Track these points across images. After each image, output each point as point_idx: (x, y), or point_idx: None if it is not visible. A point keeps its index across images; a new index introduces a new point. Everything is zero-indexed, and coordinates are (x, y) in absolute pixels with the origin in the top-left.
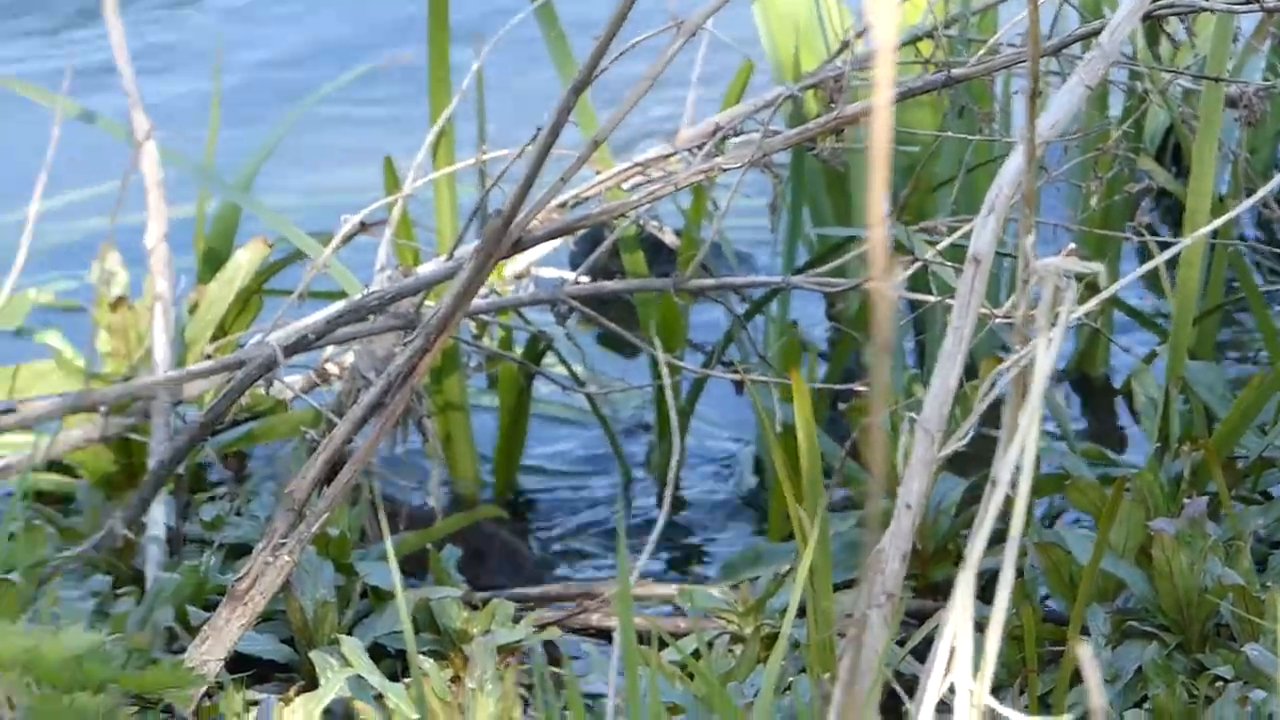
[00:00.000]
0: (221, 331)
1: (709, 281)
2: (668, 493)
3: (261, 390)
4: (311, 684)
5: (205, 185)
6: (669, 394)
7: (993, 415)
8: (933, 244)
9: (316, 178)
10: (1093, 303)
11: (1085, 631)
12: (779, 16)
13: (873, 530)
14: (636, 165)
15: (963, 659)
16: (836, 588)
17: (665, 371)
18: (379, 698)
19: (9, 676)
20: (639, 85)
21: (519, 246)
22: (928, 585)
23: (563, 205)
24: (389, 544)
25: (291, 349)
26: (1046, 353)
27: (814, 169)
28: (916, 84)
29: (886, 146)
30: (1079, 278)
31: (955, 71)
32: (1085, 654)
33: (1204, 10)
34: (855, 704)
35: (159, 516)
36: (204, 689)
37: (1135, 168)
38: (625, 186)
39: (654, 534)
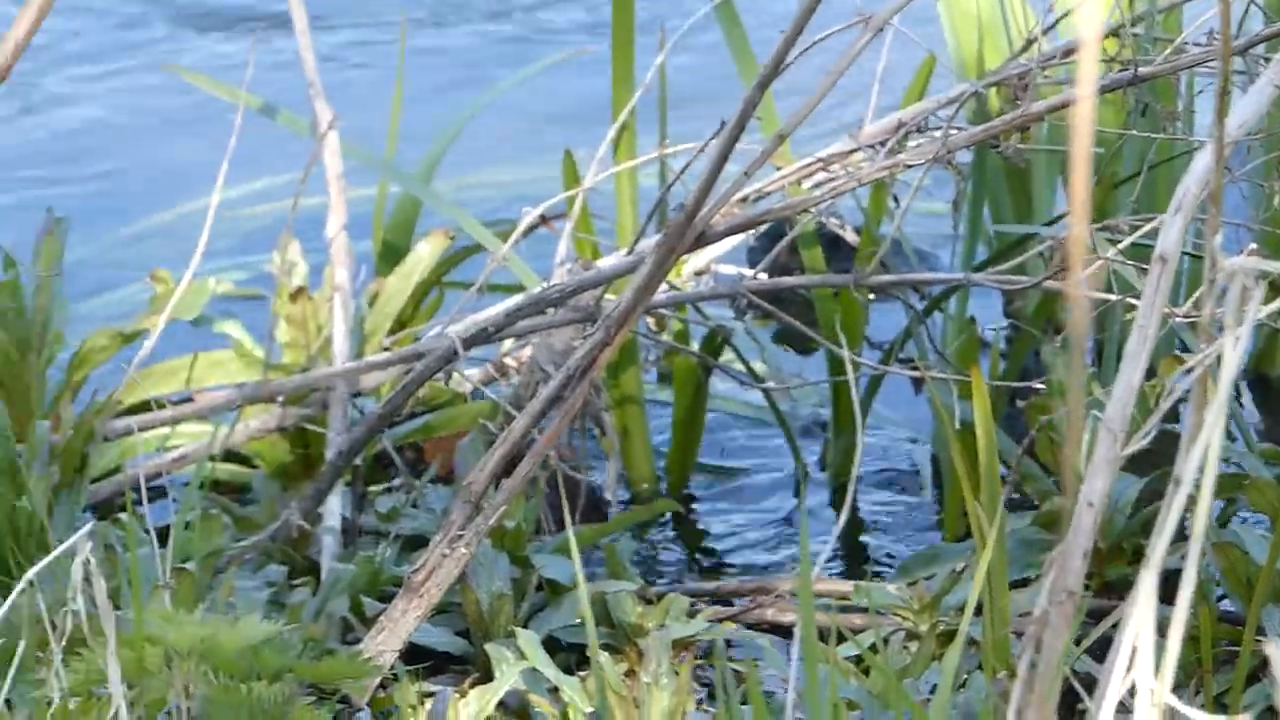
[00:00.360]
0: (400, 324)
1: (889, 278)
2: (850, 488)
3: (440, 383)
4: (486, 676)
5: (385, 177)
6: (853, 389)
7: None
8: (1114, 242)
9: (496, 170)
10: (1277, 302)
11: (1261, 632)
12: (962, 14)
13: (1053, 528)
14: (818, 161)
15: (1144, 658)
16: (1012, 585)
17: (849, 367)
18: (554, 691)
19: (186, 665)
20: (825, 80)
21: (701, 241)
22: (1103, 584)
23: (743, 200)
24: (572, 537)
25: (470, 341)
26: (1234, 351)
27: (995, 166)
28: (1104, 81)
29: (1089, 142)
30: (1264, 277)
31: (1142, 70)
32: (1275, 654)
33: None
34: (1036, 702)
35: (335, 507)
36: (379, 680)
37: None
38: (806, 183)
39: (835, 530)
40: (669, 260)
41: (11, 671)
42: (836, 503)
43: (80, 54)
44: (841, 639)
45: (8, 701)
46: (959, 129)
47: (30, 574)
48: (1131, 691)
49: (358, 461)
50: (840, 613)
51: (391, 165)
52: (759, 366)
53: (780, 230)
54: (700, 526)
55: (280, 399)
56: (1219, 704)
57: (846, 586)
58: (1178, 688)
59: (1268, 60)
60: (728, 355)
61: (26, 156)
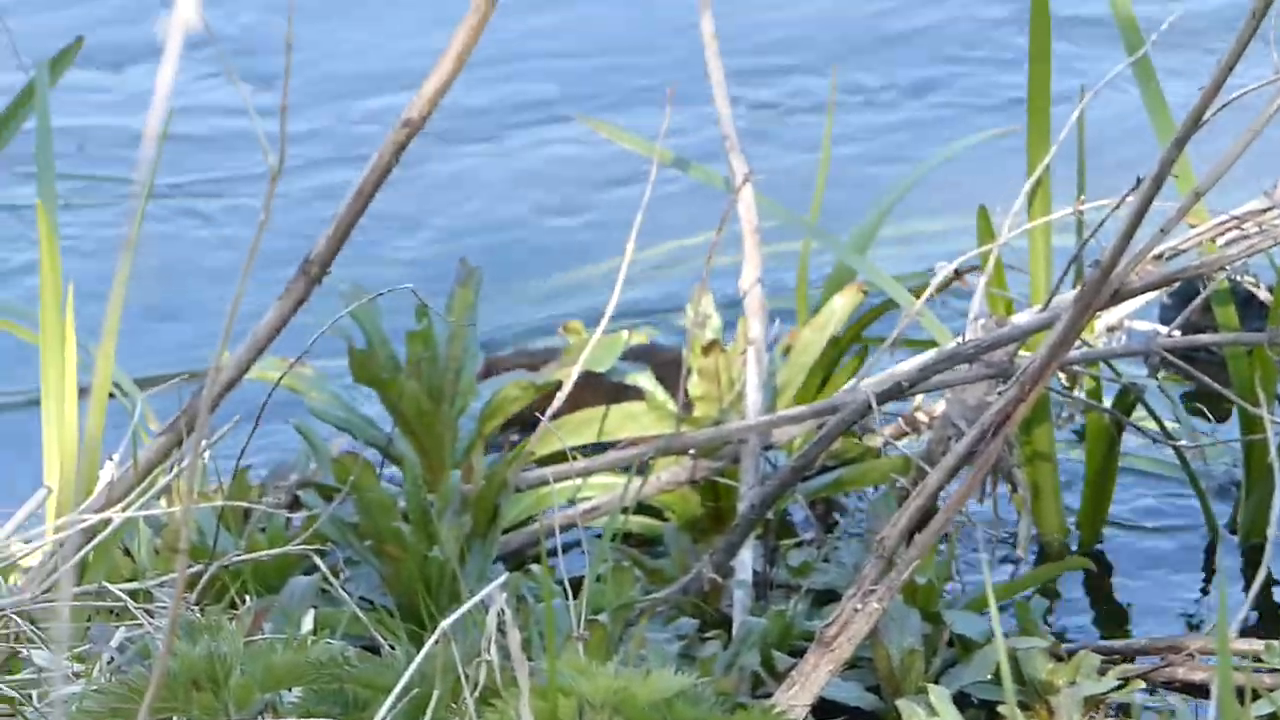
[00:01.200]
0: (813, 378)
1: None
2: (1268, 547)
3: (852, 437)
4: None
5: (810, 236)
6: (1271, 448)
7: None
8: None
9: (911, 224)
10: None
11: None
12: None
13: None
14: (1233, 219)
15: None
16: None
17: (1268, 426)
18: None
19: (600, 717)
20: (1242, 137)
21: (1116, 298)
22: None
23: (1158, 258)
24: (990, 594)
25: (884, 396)
26: None
27: None
28: None
29: None
30: None
31: None
32: None
33: None
34: None
35: (747, 561)
36: None
37: None
38: (1220, 241)
39: (1251, 590)
40: (1084, 317)
41: None
42: (1247, 562)
43: (485, 106)
44: (1255, 697)
45: None
46: None
47: (445, 624)
48: None
49: (769, 515)
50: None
51: (816, 229)
52: (1171, 424)
53: (1193, 288)
54: (1111, 584)
55: (692, 452)
56: None
57: (1258, 645)
58: None
59: None
60: (1140, 413)
61: (438, 207)
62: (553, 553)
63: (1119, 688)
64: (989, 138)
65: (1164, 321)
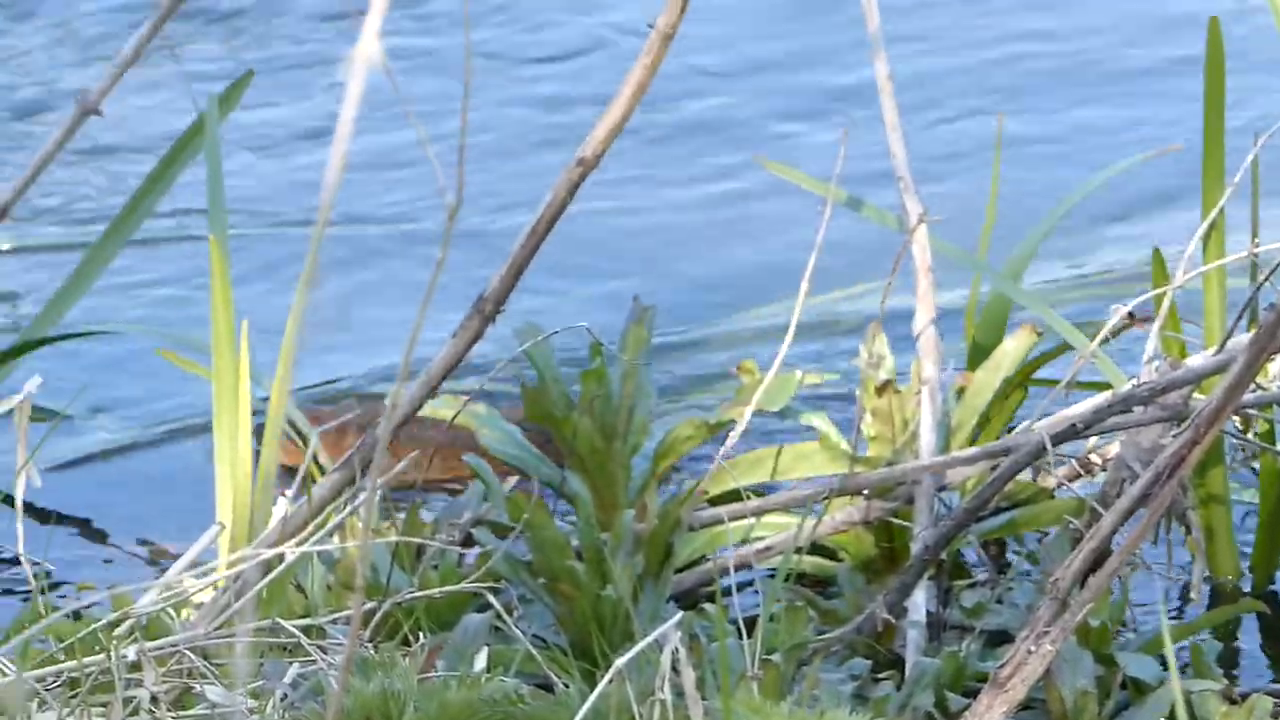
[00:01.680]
0: (986, 419)
1: None
2: None
3: (1024, 478)
4: None
5: (976, 273)
6: None
7: None
8: None
9: (1083, 265)
10: None
11: None
12: None
13: None
14: None
15: None
16: None
17: None
18: None
19: None
20: None
21: None
22: None
23: None
24: (1167, 638)
25: (1059, 438)
26: None
27: None
28: None
29: None
30: None
31: None
32: None
33: None
34: None
35: (920, 602)
36: None
37: None
38: None
39: None
40: (1260, 360)
41: None
42: None
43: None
44: None
45: None
46: None
47: (619, 663)
48: None
49: (942, 556)
50: None
51: (982, 263)
52: None
53: None
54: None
55: (866, 492)
56: None
57: None
58: None
59: None
60: None
61: (611, 245)
62: (726, 592)
63: None
64: (1149, 158)
65: None
